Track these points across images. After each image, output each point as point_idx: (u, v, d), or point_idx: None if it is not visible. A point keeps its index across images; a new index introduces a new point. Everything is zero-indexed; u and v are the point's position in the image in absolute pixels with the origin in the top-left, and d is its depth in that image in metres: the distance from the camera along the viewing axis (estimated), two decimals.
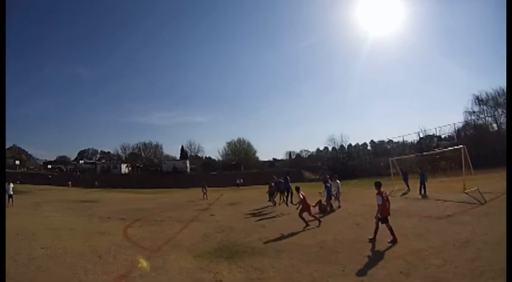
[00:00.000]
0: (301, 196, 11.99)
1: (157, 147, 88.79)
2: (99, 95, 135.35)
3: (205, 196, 28.29)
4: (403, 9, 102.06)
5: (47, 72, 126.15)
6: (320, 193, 17.61)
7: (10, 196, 21.16)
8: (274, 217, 15.20)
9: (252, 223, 13.51)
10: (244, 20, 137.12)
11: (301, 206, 11.85)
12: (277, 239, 10.10)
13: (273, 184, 19.97)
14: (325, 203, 15.75)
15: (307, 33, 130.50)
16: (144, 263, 7.78)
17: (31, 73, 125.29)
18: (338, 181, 17.75)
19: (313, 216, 11.97)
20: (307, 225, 11.35)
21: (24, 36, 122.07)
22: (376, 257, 7.49)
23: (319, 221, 11.81)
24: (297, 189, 12.93)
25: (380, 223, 8.71)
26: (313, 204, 14.91)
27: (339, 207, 16.35)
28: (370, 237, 8.84)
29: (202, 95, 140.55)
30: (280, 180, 19.79)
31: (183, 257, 8.37)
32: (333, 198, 16.43)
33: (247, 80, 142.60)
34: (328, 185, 16.24)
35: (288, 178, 19.39)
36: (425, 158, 32.25)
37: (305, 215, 11.85)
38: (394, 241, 8.38)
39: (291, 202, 17.43)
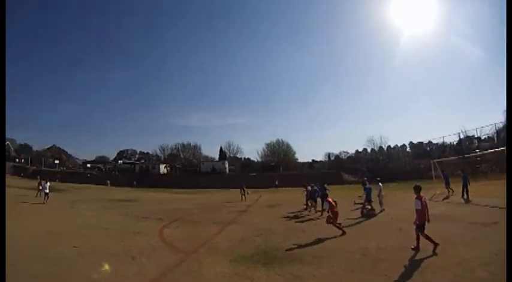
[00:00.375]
0: (327, 204, 11.74)
1: (196, 148, 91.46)
2: (137, 98, 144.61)
3: (243, 197, 28.55)
4: (437, 7, 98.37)
5: (87, 75, 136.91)
6: (360, 196, 17.24)
7: (46, 194, 22.35)
8: (313, 220, 14.99)
9: (291, 226, 13.27)
10: (278, 18, 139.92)
11: (333, 213, 11.59)
12: (317, 244, 9.98)
13: (309, 188, 19.55)
14: (367, 206, 16.02)
15: (341, 31, 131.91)
16: (107, 267, 7.61)
17: (71, 76, 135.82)
18: (380, 184, 17.79)
19: (336, 225, 11.51)
20: (344, 233, 11.08)
21: (60, 38, 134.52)
22: (422, 267, 7.14)
23: (343, 231, 11.33)
24: (325, 196, 12.66)
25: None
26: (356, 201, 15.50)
27: (382, 211, 16.27)
28: (413, 246, 8.54)
29: (239, 96, 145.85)
30: (316, 188, 19.42)
31: (219, 261, 8.23)
32: (375, 200, 16.55)
33: (282, 80, 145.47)
34: (368, 187, 16.44)
35: (326, 186, 18.91)
36: (466, 160, 30.92)
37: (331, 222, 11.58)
38: (435, 248, 8.14)
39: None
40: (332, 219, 11.43)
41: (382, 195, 17.22)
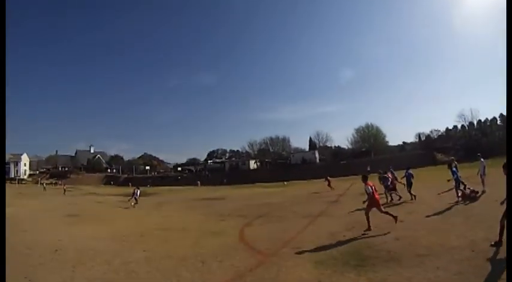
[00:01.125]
0: (370, 188, 10.39)
1: (285, 141, 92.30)
2: (225, 98, 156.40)
3: (330, 187, 28.02)
4: None
5: (177, 83, 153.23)
6: (449, 180, 15.10)
7: (136, 199, 24.62)
8: (410, 209, 13.48)
9: (387, 217, 11.59)
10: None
11: (367, 202, 10.55)
12: (416, 238, 8.74)
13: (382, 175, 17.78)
14: (468, 190, 14.50)
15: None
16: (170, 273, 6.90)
17: (163, 84, 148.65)
18: (482, 160, 16.67)
19: (386, 212, 10.53)
20: (369, 228, 10.09)
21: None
22: None
23: (395, 218, 10.43)
24: (364, 178, 10.93)
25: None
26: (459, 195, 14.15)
27: (483, 192, 14.75)
28: (493, 242, 7.11)
29: (325, 85, 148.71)
30: (385, 175, 17.58)
31: (302, 263, 7.22)
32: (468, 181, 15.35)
33: (369, 66, 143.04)
34: (455, 169, 15.01)
35: (410, 171, 16.89)
36: None
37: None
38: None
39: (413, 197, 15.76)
40: (368, 207, 10.44)
41: (486, 173, 15.89)
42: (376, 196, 10.47)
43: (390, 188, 16.61)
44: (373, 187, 10.44)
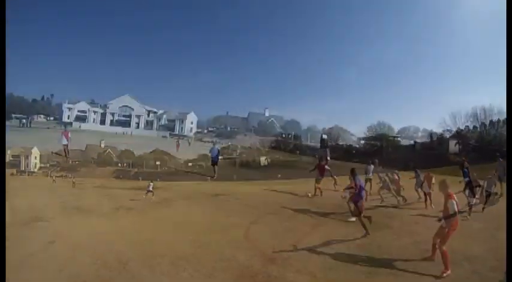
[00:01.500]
0: (359, 180, 9.93)
1: (296, 139, 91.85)
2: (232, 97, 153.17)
3: (335, 187, 26.97)
4: None
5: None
6: (460, 182, 14.54)
7: (149, 191, 24.37)
8: (424, 212, 13.16)
9: (403, 218, 11.22)
10: None
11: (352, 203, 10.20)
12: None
13: (386, 178, 17.35)
14: (486, 193, 13.59)
15: None
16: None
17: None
18: (501, 159, 16.59)
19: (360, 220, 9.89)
20: (367, 233, 9.37)
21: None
22: None
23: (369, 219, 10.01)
24: (352, 172, 10.38)
25: None
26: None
27: (501, 195, 14.07)
28: None
29: (335, 82, 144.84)
30: (386, 177, 17.36)
31: (309, 270, 6.84)
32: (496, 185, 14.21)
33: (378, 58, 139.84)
34: (466, 170, 14.97)
35: (417, 171, 16.65)
36: None
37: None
38: None
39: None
40: (357, 213, 9.96)
41: (505, 174, 15.25)
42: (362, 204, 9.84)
43: (395, 190, 16.15)
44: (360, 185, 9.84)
